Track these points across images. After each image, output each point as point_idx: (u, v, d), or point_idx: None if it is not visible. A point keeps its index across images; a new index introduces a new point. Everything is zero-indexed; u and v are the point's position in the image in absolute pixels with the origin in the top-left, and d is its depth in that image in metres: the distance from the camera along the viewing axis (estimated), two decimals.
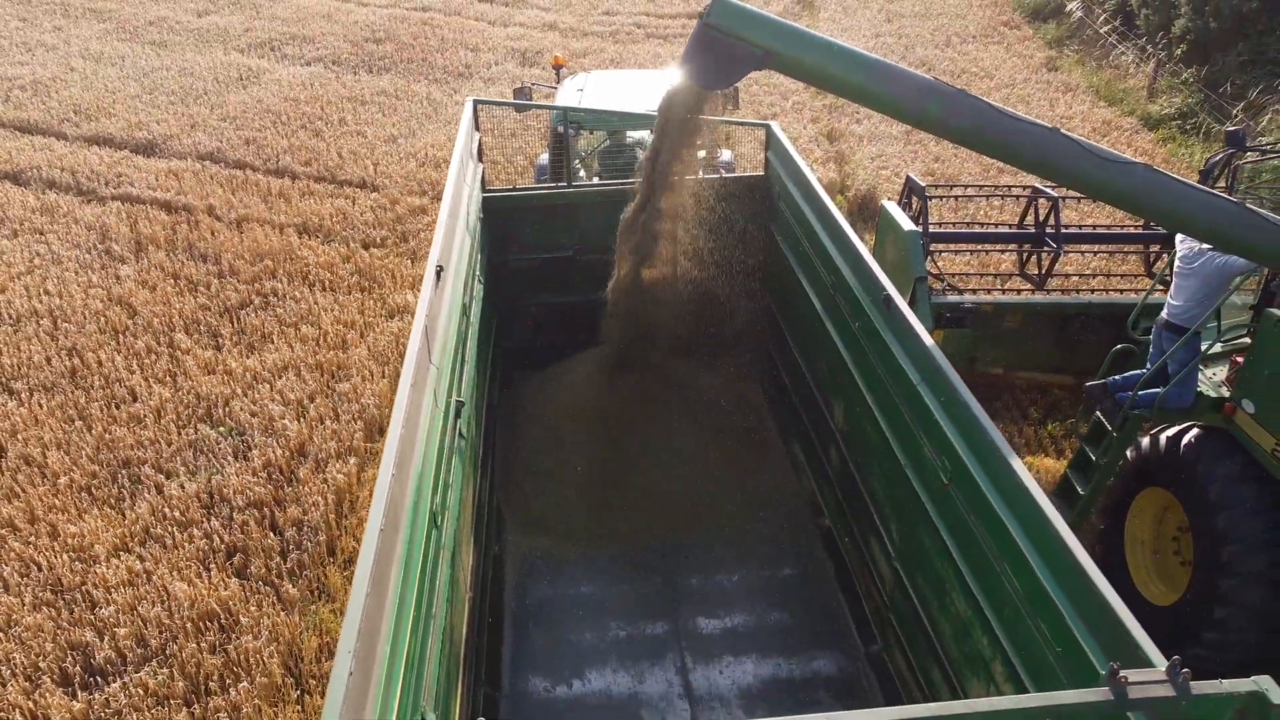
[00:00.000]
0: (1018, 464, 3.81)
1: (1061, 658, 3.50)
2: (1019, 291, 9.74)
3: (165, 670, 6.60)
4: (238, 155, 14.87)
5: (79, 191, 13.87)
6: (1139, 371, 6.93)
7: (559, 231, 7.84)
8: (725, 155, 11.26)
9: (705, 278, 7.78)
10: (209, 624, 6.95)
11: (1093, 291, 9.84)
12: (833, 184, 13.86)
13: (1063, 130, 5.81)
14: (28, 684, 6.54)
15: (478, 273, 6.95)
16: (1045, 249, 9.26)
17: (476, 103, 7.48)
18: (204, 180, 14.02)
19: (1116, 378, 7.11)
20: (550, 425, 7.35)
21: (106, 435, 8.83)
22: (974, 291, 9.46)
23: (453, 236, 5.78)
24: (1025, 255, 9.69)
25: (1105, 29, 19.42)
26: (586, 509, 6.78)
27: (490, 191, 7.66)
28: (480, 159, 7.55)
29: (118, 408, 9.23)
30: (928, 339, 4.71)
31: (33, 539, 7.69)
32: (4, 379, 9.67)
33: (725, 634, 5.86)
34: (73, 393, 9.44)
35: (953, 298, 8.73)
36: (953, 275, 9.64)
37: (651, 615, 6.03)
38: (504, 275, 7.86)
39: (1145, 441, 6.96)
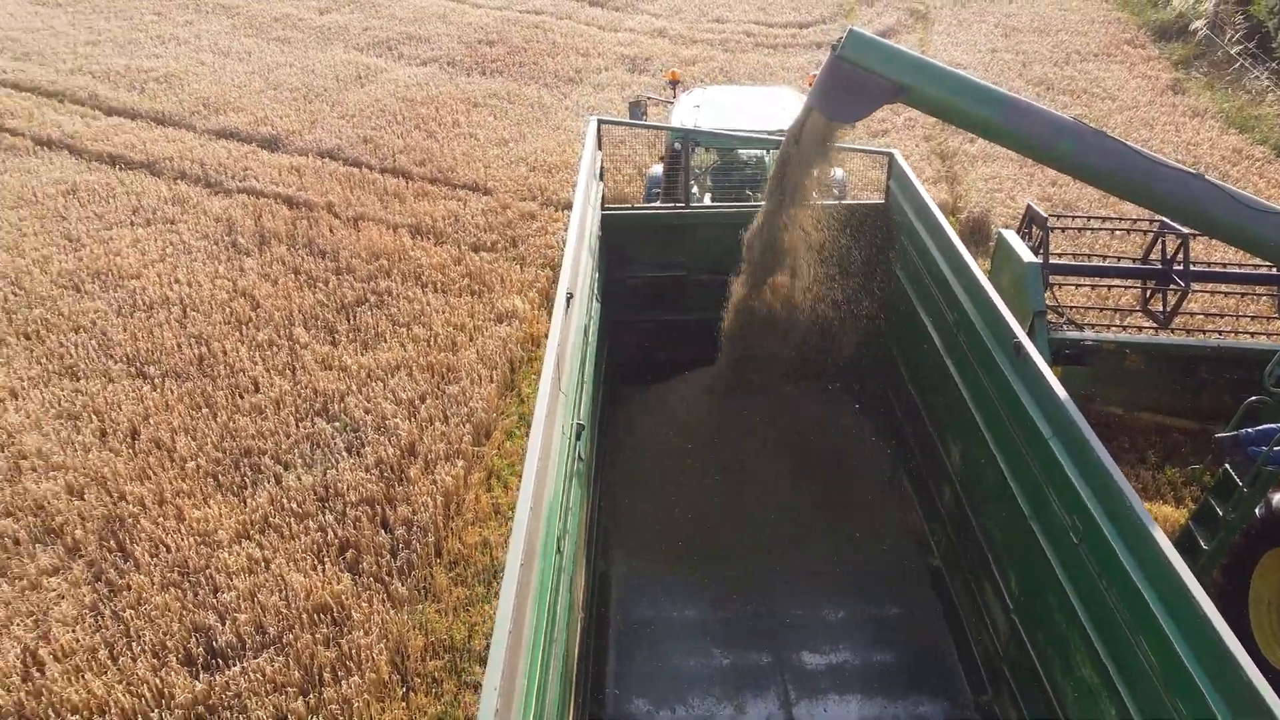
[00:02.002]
0: (1159, 534, 3.73)
1: None
2: (1140, 329, 9.46)
3: (281, 658, 6.88)
4: (355, 153, 15.33)
5: (207, 183, 14.48)
6: (1274, 426, 6.68)
7: (673, 250, 7.91)
8: (837, 174, 11.18)
9: (821, 305, 7.78)
10: (322, 616, 7.22)
11: (1220, 334, 9.50)
12: (944, 205, 13.63)
13: (1209, 176, 5.65)
14: (154, 661, 6.90)
15: (596, 291, 7.07)
16: (1172, 286, 8.98)
17: (601, 122, 7.60)
18: (323, 177, 14.50)
19: (1250, 431, 6.86)
20: (657, 445, 7.43)
21: (230, 424, 9.23)
22: (1092, 327, 9.23)
23: (579, 261, 5.90)
24: (1150, 292, 9.41)
25: (1236, 50, 18.65)
26: (690, 530, 6.84)
27: (609, 209, 7.76)
28: (601, 178, 7.66)
29: (241, 397, 9.63)
30: (1061, 391, 4.63)
31: (161, 520, 8.09)
32: (139, 363, 10.18)
33: (829, 670, 5.85)
34: (200, 380, 9.88)
35: (1072, 333, 8.52)
36: (1072, 309, 9.41)
37: (754, 644, 6.05)
38: (619, 293, 7.97)
39: (1277, 499, 6.71)
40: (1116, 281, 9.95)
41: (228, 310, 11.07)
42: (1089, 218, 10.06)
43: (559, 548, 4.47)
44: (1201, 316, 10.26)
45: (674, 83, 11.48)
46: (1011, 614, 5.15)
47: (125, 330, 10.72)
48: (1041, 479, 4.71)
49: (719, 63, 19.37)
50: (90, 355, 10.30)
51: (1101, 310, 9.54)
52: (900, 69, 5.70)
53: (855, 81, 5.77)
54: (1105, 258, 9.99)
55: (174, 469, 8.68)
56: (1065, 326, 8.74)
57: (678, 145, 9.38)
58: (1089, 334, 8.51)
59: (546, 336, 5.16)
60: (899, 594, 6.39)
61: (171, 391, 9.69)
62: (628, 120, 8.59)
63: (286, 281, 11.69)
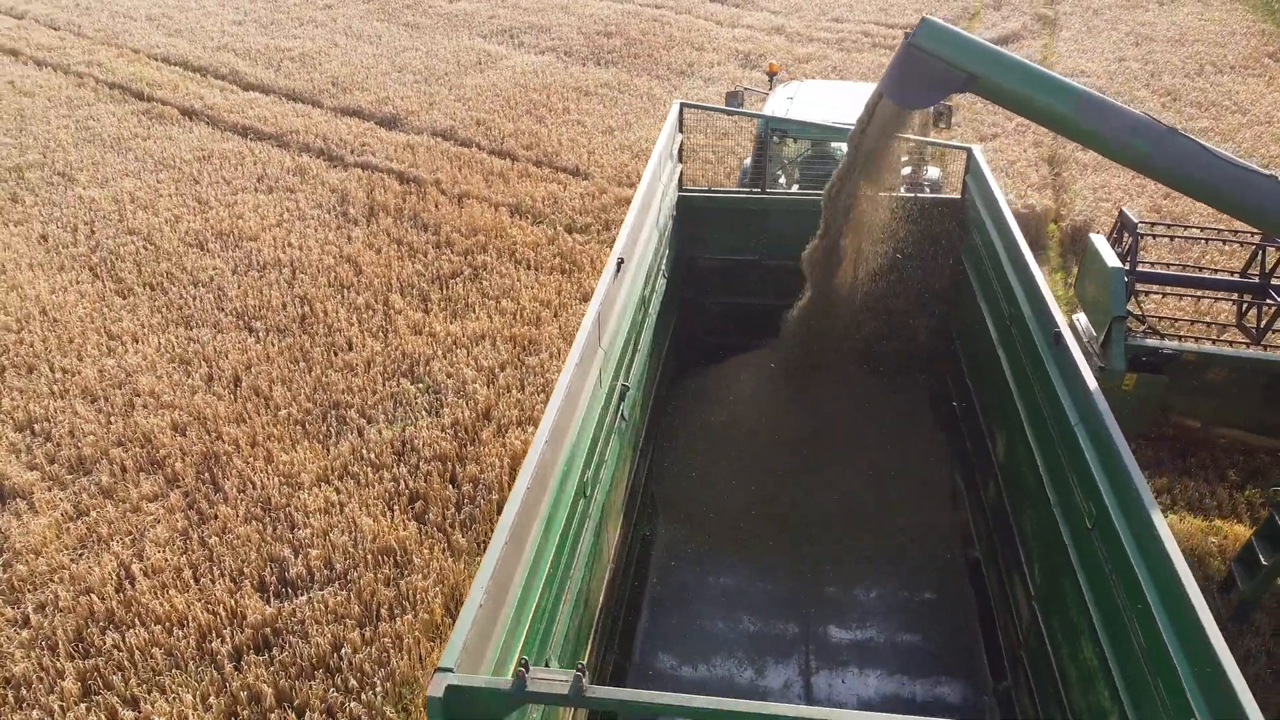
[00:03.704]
0: (1158, 517, 3.74)
1: None
2: (1231, 343, 9.12)
3: (345, 593, 7.36)
4: (467, 134, 15.95)
5: (328, 157, 15.31)
6: None
7: (748, 235, 8.06)
8: (933, 173, 11.10)
9: (890, 294, 7.82)
10: (386, 558, 7.67)
11: None
12: (1047, 212, 13.35)
13: None
14: (231, 584, 7.47)
15: (663, 267, 7.29)
16: (1268, 301, 8.65)
17: (683, 106, 7.82)
18: (435, 155, 15.15)
19: None
20: (715, 421, 7.60)
21: (323, 378, 9.83)
22: (1180, 338, 8.96)
23: (639, 231, 6.13)
24: (1245, 306, 9.08)
25: None
26: (738, 506, 6.99)
27: (686, 191, 7.97)
28: (680, 159, 7.88)
29: (336, 355, 10.23)
30: (1092, 381, 4.63)
31: (251, 460, 8.71)
32: (248, 318, 10.92)
33: (854, 645, 5.94)
34: (299, 336, 10.54)
35: (1152, 342, 8.31)
36: (1158, 319, 9.15)
37: (785, 615, 6.18)
38: (691, 272, 8.17)
39: None
40: (1213, 294, 9.61)
41: (332, 274, 11.73)
42: (1186, 226, 9.75)
43: (585, 492, 4.73)
44: None
45: (772, 74, 11.60)
46: (1033, 601, 5.16)
47: (239, 287, 11.50)
48: (1066, 466, 4.72)
49: (832, 61, 19.32)
50: (205, 308, 11.10)
51: (1194, 323, 9.23)
52: (971, 58, 5.72)
53: (926, 69, 5.83)
54: (1201, 269, 9.66)
55: (268, 415, 9.31)
56: (1146, 334, 8.52)
57: (764, 134, 9.52)
58: (1169, 343, 8.28)
59: None
60: (936, 583, 6.41)
61: (274, 345, 10.37)
62: (709, 105, 8.77)
63: (389, 251, 12.30)
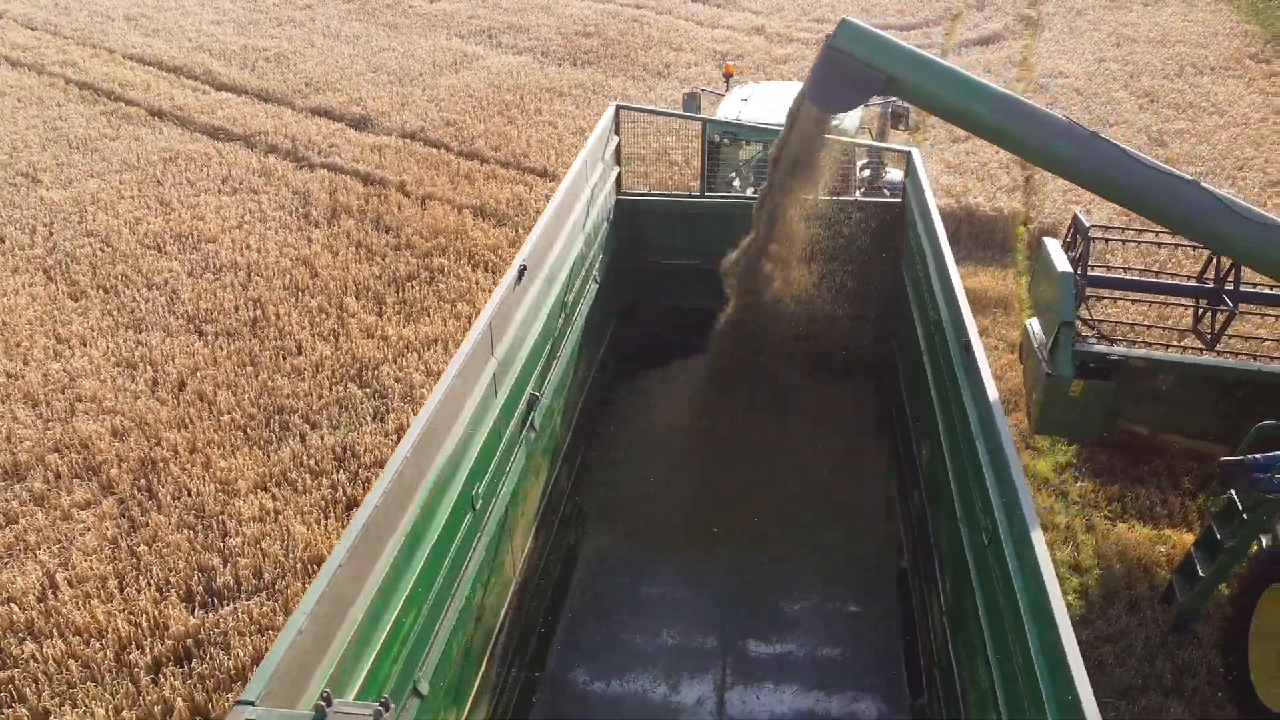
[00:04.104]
0: (1039, 539, 3.60)
1: None
2: (1185, 349, 8.98)
3: (271, 603, 7.23)
4: (437, 135, 15.82)
5: (295, 158, 15.19)
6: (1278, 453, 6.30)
7: (689, 239, 7.94)
8: (894, 175, 10.95)
9: (833, 299, 7.69)
10: (316, 567, 7.53)
11: (1272, 359, 8.93)
12: (1016, 214, 13.21)
13: (1205, 184, 5.37)
14: (157, 594, 7.34)
15: (595, 272, 7.16)
16: (1221, 307, 8.50)
17: (619, 108, 7.69)
18: (403, 157, 15.03)
19: (1257, 456, 6.47)
20: (652, 428, 7.49)
21: (270, 383, 9.70)
22: (1134, 344, 8.82)
23: (553, 237, 6.00)
24: (1201, 312, 8.93)
25: None
26: (668, 515, 6.87)
27: (625, 194, 7.84)
28: (619, 162, 7.75)
29: (284, 359, 10.10)
30: (994, 394, 4.49)
31: (189, 466, 8.58)
32: (199, 321, 10.80)
33: (773, 659, 5.81)
34: (249, 340, 10.41)
35: (1100, 348, 8.17)
36: (1113, 324, 9.01)
37: (706, 627, 6.06)
38: (633, 276, 8.04)
39: None
40: (1172, 299, 9.45)
41: (288, 277, 11.61)
42: (1140, 230, 9.59)
43: (473, 505, 4.60)
44: (1264, 341, 9.66)
45: (728, 76, 11.47)
46: (943, 617, 5.03)
47: (193, 290, 11.38)
48: (971, 480, 4.60)
49: (810, 62, 19.11)
50: (157, 311, 10.98)
51: (1150, 329, 9.10)
52: (889, 59, 5.61)
53: (847, 71, 5.71)
54: (1160, 273, 9.51)
55: (210, 420, 9.19)
56: (1095, 340, 8.37)
57: (715, 137, 9.39)
58: (1118, 349, 8.13)
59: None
60: (862, 595, 6.28)
61: (222, 349, 10.25)
62: (647, 108, 8.64)
63: (347, 254, 12.18)
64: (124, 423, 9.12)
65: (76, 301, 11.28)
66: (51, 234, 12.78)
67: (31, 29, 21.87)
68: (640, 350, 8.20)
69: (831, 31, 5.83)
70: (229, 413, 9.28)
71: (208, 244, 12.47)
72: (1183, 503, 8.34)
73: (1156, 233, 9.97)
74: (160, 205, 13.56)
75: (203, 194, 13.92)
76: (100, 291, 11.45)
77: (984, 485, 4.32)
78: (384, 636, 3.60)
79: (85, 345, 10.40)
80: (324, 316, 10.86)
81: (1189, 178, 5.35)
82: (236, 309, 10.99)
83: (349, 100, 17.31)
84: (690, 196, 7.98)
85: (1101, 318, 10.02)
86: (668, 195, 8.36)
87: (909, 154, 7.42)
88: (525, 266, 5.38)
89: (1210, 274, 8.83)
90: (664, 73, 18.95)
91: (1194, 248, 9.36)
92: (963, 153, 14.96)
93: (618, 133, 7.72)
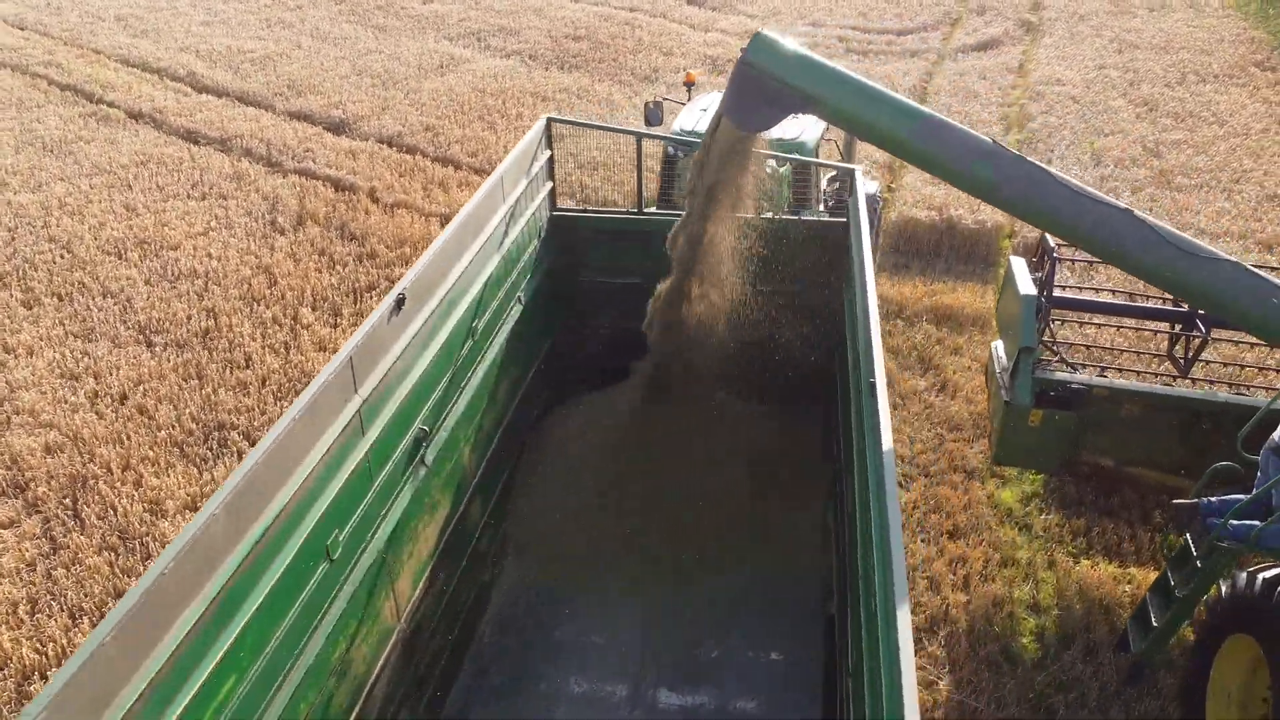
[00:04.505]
0: (904, 615, 3.25)
1: None
2: (1158, 376, 8.59)
3: None
4: (414, 140, 15.56)
5: (268, 162, 14.96)
6: (1238, 496, 5.92)
7: (629, 258, 7.61)
8: (870, 188, 10.58)
9: (770, 321, 7.35)
10: None
11: (1247, 388, 8.53)
12: (1000, 227, 12.80)
13: (1139, 212, 5.01)
14: (69, 620, 7.08)
15: (519, 294, 6.85)
16: (1194, 333, 8.11)
17: (550, 120, 7.37)
18: (377, 162, 14.77)
19: (1212, 500, 6.11)
20: (580, 456, 7.16)
21: (213, 397, 9.45)
22: (1100, 370, 8.44)
23: (456, 259, 5.70)
24: (1175, 337, 8.53)
25: None
26: (593, 549, 6.55)
27: (561, 211, 7.53)
28: (552, 176, 7.44)
29: (231, 372, 9.85)
30: (888, 441, 4.15)
31: (119, 485, 8.33)
32: (150, 331, 10.56)
33: (682, 710, 5.48)
34: (199, 352, 10.16)
35: (1061, 375, 7.79)
36: (1085, 348, 8.63)
37: (616, 675, 5.74)
38: (570, 295, 7.73)
39: (1243, 577, 5.94)
40: (1143, 324, 9.05)
41: (245, 286, 11.36)
42: None
43: (329, 555, 4.30)
44: (1235, 368, 9.25)
45: (690, 85, 11.11)
46: (848, 674, 4.70)
47: (148, 298, 11.14)
48: (859, 530, 4.27)
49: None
50: (108, 320, 10.75)
51: (1120, 353, 8.70)
52: (803, 76, 5.28)
53: (763, 88, 5.38)
54: (1133, 295, 9.13)
55: (147, 436, 8.94)
56: (1055, 366, 7.99)
57: (671, 150, 9.07)
58: (1081, 376, 7.75)
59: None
60: (787, 640, 5.94)
61: (169, 360, 10.00)
62: (581, 121, 8.33)
63: (309, 263, 11.92)
64: (58, 438, 8.88)
65: (30, 309, 11.07)
66: (14, 239, 12.58)
67: (21, 29, 21.78)
68: (576, 372, 7.88)
69: (745, 45, 5.50)
70: (167, 428, 9.03)
71: (170, 251, 12.24)
72: (1152, 538, 7.97)
73: None
74: (127, 211, 13.35)
75: (171, 199, 13.70)
76: (54, 299, 11.24)
77: (867, 534, 4.00)
78: (190, 697, 3.34)
79: (31, 355, 10.17)
80: (277, 328, 10.60)
81: (1122, 205, 4.99)
82: (189, 318, 10.75)
83: (329, 103, 17.07)
84: (625, 213, 7.66)
85: (1076, 340, 9.65)
86: (606, 212, 8.04)
87: (852, 172, 7.07)
88: (404, 296, 5.07)
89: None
90: (651, 77, 18.62)
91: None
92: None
93: (550, 146, 7.40)
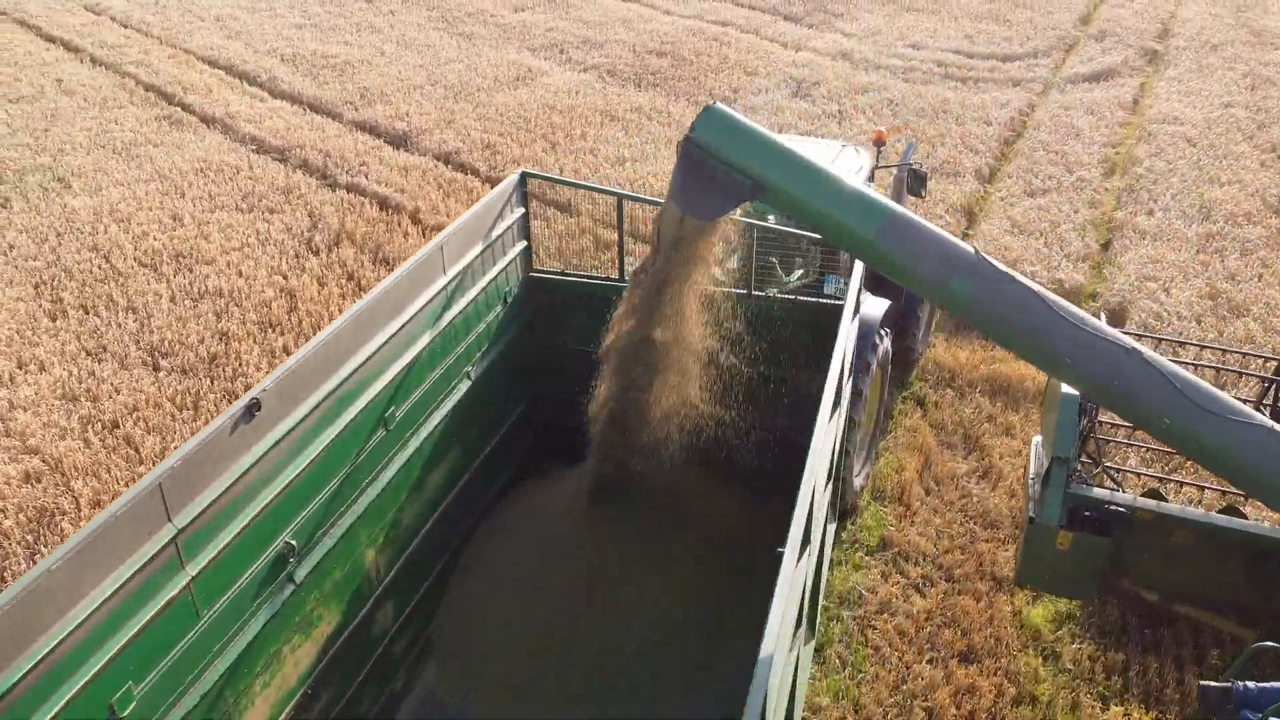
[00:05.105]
0: None
1: None
2: (1224, 494, 7.35)
3: None
4: (470, 159, 15.14)
5: (322, 175, 14.76)
6: (1278, 685, 4.81)
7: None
8: None
9: (768, 409, 6.50)
10: None
11: None
12: (1080, 289, 11.50)
13: (1149, 353, 4.01)
14: None
15: (469, 370, 6.20)
16: None
17: (525, 175, 6.69)
18: (427, 181, 14.39)
19: (1251, 686, 4.98)
20: (526, 548, 6.45)
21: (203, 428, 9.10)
22: (1161, 482, 7.29)
23: (366, 339, 5.08)
24: None
25: None
26: (515, 660, 5.84)
27: (537, 271, 6.85)
28: (527, 235, 6.75)
29: (228, 402, 9.51)
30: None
31: (82, 524, 8.03)
32: (158, 354, 10.36)
33: None
34: (201, 379, 9.89)
35: (1100, 492, 6.67)
36: (1122, 451, 7.46)
37: None
38: (541, 366, 7.04)
39: None
40: None
41: (264, 310, 11.07)
42: (1181, 343, 7.95)
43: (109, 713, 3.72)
44: None
45: (880, 144, 9.42)
46: None
47: (167, 316, 10.97)
48: None
49: (892, 93, 17.62)
50: (122, 339, 10.59)
51: (1182, 467, 7.52)
52: (753, 158, 4.44)
53: (709, 171, 4.56)
54: None
55: (127, 471, 8.67)
56: (1096, 477, 6.86)
57: None
58: (1123, 496, 6.62)
59: None
60: None
61: (170, 387, 9.75)
62: (556, 177, 7.57)
63: (334, 287, 11.59)
64: (39, 465, 8.68)
65: (54, 321, 11.02)
66: (60, 244, 12.65)
67: (125, 26, 22.38)
68: (548, 445, 7.17)
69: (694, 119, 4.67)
70: (149, 461, 8.73)
71: (203, 266, 12.08)
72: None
73: (1201, 344, 8.36)
74: (173, 220, 13.30)
75: (219, 210, 13.60)
76: (80, 311, 11.17)
77: None
78: None
79: (42, 370, 10.07)
80: (285, 356, 10.23)
81: (1129, 344, 4.00)
82: (201, 341, 10.50)
83: (395, 114, 16.83)
84: (606, 278, 6.92)
85: (1129, 442, 8.35)
86: (581, 276, 7.31)
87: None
88: (258, 402, 4.46)
89: (1270, 400, 7.20)
90: (730, 98, 17.73)
91: (1261, 376, 7.72)
92: (1035, 209, 13.27)
93: (524, 204, 6.71)
